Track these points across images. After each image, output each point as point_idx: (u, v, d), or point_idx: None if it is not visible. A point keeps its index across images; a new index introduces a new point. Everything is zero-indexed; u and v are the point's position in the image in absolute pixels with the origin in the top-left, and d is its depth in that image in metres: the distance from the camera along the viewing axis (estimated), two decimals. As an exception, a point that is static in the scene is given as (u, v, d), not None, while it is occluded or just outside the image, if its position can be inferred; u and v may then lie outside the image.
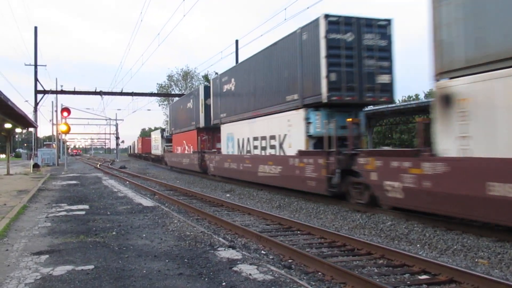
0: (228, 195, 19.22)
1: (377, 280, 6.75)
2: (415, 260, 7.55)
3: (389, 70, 15.55)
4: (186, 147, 33.96)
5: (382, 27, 15.47)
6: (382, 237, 10.15)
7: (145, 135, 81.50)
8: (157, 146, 53.95)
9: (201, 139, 30.33)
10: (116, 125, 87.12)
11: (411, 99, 52.39)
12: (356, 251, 8.75)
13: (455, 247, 8.89)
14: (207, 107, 28.78)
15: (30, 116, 34.56)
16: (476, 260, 8.11)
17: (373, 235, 10.38)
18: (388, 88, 15.59)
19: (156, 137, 55.37)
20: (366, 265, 7.69)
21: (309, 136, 16.04)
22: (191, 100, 32.40)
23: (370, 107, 21.89)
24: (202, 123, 29.56)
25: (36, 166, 37.13)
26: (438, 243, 9.26)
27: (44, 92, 44.62)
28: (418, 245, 9.34)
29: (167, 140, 46.79)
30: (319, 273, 7.14)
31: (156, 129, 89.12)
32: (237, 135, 23.09)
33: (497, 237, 9.20)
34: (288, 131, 17.32)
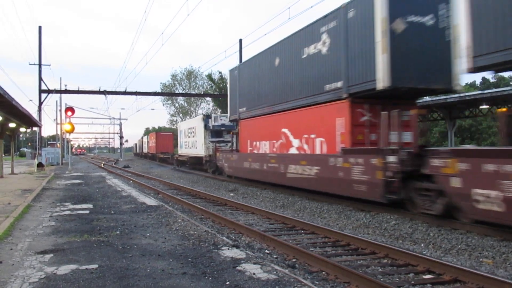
0: (231, 194, 19.22)
1: (381, 279, 6.74)
2: (420, 259, 7.53)
3: None
4: (295, 143, 17.76)
5: None
6: (386, 237, 10.13)
7: (149, 134, 76.43)
8: (193, 142, 35.87)
9: (369, 123, 14.27)
10: (120, 124, 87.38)
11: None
12: (360, 251, 8.73)
13: (459, 246, 8.87)
14: (396, 41, 12.68)
15: (34, 115, 34.68)
16: (481, 259, 8.09)
17: (377, 235, 10.36)
18: None
19: (192, 128, 36.20)
20: (370, 265, 7.67)
21: None
22: (324, 36, 15.46)
23: None
24: (383, 81, 12.62)
25: (40, 165, 37.26)
26: (443, 242, 9.23)
27: (48, 91, 44.68)
28: (422, 245, 9.32)
29: (215, 132, 32.17)
30: (323, 273, 7.13)
31: (161, 128, 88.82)
32: None
33: (502, 237, 9.18)
34: None
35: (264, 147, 20.96)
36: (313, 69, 16.29)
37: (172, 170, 38.19)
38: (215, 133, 31.93)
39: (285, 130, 18.73)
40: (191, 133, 36.58)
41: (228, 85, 26.36)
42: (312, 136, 16.45)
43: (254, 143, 22.15)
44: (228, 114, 26.64)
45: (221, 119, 31.77)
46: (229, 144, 29.67)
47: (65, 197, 16.16)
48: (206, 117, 32.85)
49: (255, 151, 21.89)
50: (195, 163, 35.86)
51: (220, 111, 63.00)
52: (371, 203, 13.03)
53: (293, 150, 17.90)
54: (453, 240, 9.26)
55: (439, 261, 7.29)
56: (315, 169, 15.49)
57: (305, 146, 16.93)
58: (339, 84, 14.65)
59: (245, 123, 23.51)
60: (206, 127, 32.26)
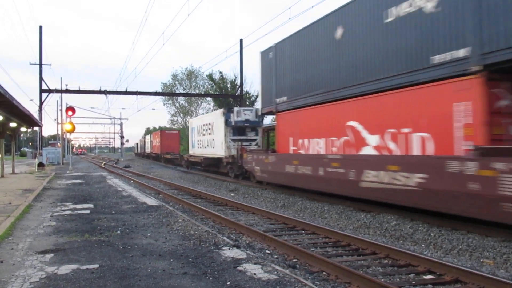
0: (232, 194, 19.21)
1: (382, 280, 6.73)
2: (420, 260, 7.52)
3: None
4: (371, 140, 13.48)
5: None
6: (387, 237, 10.13)
7: (152, 133, 73.01)
8: (209, 141, 30.70)
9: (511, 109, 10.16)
10: (121, 124, 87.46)
11: None
12: (361, 251, 8.72)
13: (460, 247, 8.86)
14: None
15: (35, 115, 34.71)
16: (482, 260, 8.08)
17: (378, 235, 10.35)
18: None
19: (209, 124, 30.98)
20: (371, 265, 7.67)
21: None
22: None
23: None
24: None
25: (41, 165, 37.27)
26: (443, 243, 9.23)
27: (49, 91, 44.70)
28: (423, 245, 9.31)
29: (237, 129, 26.80)
30: (324, 273, 7.13)
31: (162, 128, 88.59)
32: None
33: (503, 237, 9.16)
34: None
35: (316, 146, 16.33)
36: (406, 36, 11.98)
37: (173, 170, 38.14)
38: (237, 130, 27.04)
39: (353, 123, 14.08)
40: (206, 130, 31.26)
41: (259, 71, 21.74)
42: (405, 130, 11.99)
43: (300, 141, 17.47)
44: (260, 106, 22.52)
45: (245, 114, 27.22)
46: (253, 143, 26.55)
47: (65, 196, 16.17)
48: (228, 111, 27.46)
49: (302, 151, 17.27)
50: (211, 165, 30.76)
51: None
52: (372, 203, 12.99)
53: (368, 150, 13.43)
54: (454, 241, 9.25)
55: (440, 262, 7.28)
56: (417, 178, 10.89)
57: (391, 145, 12.50)
58: (461, 52, 10.22)
59: (286, 116, 18.82)
60: (227, 123, 26.88)
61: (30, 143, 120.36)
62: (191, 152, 36.74)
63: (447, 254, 8.62)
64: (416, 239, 9.72)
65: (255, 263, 6.69)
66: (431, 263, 7.30)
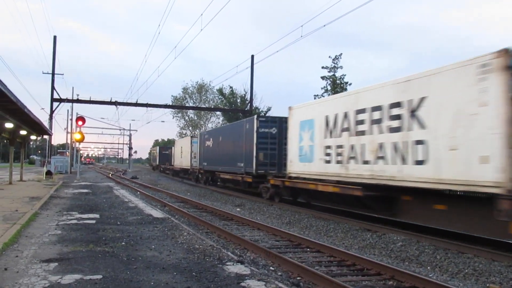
0: (238, 209, 19.18)
1: (386, 301, 6.66)
2: (426, 282, 7.44)
3: None
4: None
5: None
6: (392, 258, 10.04)
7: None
8: None
9: None
10: (130, 136, 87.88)
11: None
12: (366, 271, 8.65)
13: (466, 270, 8.76)
14: None
15: (46, 123, 34.98)
16: (488, 285, 7.98)
17: (383, 255, 10.27)
18: None
19: None
20: (375, 286, 7.60)
21: None
22: None
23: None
24: None
25: (48, 173, 37.46)
26: (449, 266, 9.13)
27: (60, 100, 45.15)
28: (428, 267, 9.22)
29: None
30: (328, 292, 7.06)
31: (170, 141, 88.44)
32: None
33: (510, 262, 9.06)
34: None
35: None
36: None
37: (180, 183, 38.09)
38: None
39: None
40: None
41: None
42: None
43: None
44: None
45: None
46: None
47: (72, 206, 16.23)
48: None
49: None
50: None
51: None
52: (378, 221, 12.92)
53: None
54: (460, 264, 9.15)
55: (445, 285, 7.20)
56: None
57: None
58: None
59: None
60: None
61: (39, 151, 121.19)
62: None
63: (453, 277, 8.53)
64: (422, 261, 9.63)
65: (258, 280, 6.66)
66: (437, 286, 7.22)
